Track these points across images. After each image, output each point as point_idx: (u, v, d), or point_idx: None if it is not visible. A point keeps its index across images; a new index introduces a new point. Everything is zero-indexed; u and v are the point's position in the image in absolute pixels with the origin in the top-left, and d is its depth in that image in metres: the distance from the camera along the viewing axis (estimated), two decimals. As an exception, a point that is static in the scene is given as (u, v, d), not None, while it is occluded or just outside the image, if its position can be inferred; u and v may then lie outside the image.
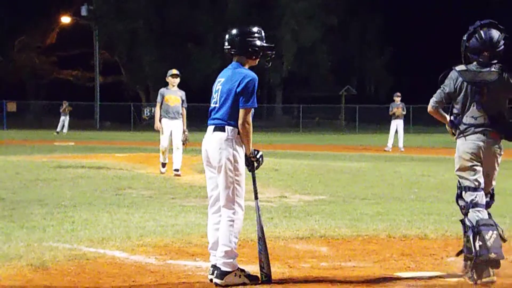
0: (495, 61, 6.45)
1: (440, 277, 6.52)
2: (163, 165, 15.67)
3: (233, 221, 6.12)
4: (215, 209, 6.30)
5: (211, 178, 6.29)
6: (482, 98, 6.37)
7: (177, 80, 15.45)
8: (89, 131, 46.42)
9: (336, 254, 7.41)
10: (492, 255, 6.02)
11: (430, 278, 6.48)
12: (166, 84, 15.53)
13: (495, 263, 6.10)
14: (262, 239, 6.22)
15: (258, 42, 6.26)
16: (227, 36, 6.31)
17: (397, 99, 26.47)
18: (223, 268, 6.09)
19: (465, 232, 6.27)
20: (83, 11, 58.22)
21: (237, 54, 6.27)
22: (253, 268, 6.33)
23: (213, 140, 6.16)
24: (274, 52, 6.40)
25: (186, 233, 8.22)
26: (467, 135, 6.40)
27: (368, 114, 54.95)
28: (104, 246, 7.46)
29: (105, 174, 15.23)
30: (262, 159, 6.34)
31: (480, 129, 6.36)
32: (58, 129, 40.06)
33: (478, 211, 6.27)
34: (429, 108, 6.65)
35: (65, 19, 60.38)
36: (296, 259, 7.07)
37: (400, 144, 26.27)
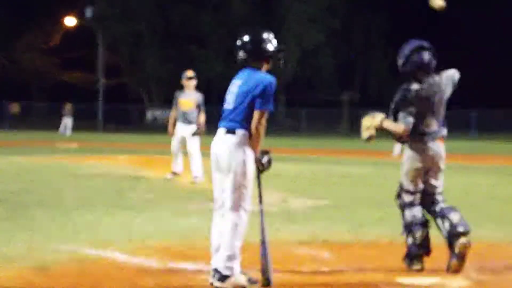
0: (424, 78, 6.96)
1: (441, 282, 6.51)
2: (173, 173, 15.13)
3: (237, 225, 6.11)
4: (221, 212, 6.29)
5: (219, 181, 6.29)
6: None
7: (192, 82, 14.88)
8: (92, 133, 46.46)
9: (337, 259, 7.40)
10: (420, 252, 6.93)
11: (432, 283, 6.48)
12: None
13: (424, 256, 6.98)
14: (264, 243, 6.22)
15: (271, 47, 6.28)
16: (240, 45, 6.28)
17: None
18: (224, 272, 6.09)
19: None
20: (87, 13, 58.36)
21: (253, 61, 6.27)
22: (254, 273, 6.33)
23: (224, 143, 6.14)
24: (285, 52, 6.42)
25: (187, 236, 8.23)
26: None
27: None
28: (105, 248, 7.46)
29: (107, 176, 15.24)
30: (269, 164, 6.34)
31: None
32: (61, 130, 40.07)
33: (413, 210, 7.09)
34: None
35: (69, 21, 60.47)
36: (297, 264, 7.06)
37: None
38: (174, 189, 13.43)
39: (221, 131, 6.21)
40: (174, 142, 15.04)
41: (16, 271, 6.43)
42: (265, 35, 6.30)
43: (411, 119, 6.90)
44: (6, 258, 6.86)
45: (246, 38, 6.29)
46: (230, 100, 6.23)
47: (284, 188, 13.94)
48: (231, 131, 6.13)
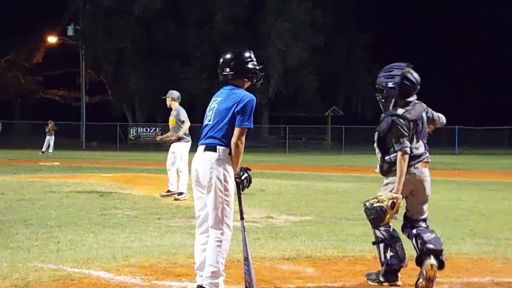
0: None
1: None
2: (169, 191, 15.05)
3: (221, 241, 6.10)
4: (202, 229, 6.27)
5: (200, 198, 6.27)
6: None
7: (167, 102, 15.15)
8: (75, 151, 46.27)
9: (322, 275, 7.39)
10: (403, 265, 6.91)
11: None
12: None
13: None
14: (247, 259, 6.20)
15: (252, 65, 6.31)
16: (223, 62, 6.32)
17: (383, 120, 26.62)
18: (209, 289, 6.07)
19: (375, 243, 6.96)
20: (70, 31, 58.32)
21: (236, 78, 6.29)
22: (239, 289, 6.31)
23: (204, 160, 6.14)
24: (263, 73, 6.46)
25: (171, 254, 8.19)
26: None
27: (354, 134, 55.06)
28: (89, 267, 7.41)
29: (90, 194, 15.16)
30: (248, 181, 6.30)
31: None
32: (44, 149, 39.90)
33: (389, 229, 6.92)
34: None
35: (52, 39, 60.37)
36: (282, 280, 7.05)
37: None
38: (157, 206, 13.37)
39: (201, 148, 6.21)
40: (168, 158, 15.21)
41: (-2, 290, 6.38)
42: (247, 54, 6.35)
43: (407, 142, 6.69)
44: (-12, 277, 6.80)
45: (229, 56, 6.33)
46: (210, 117, 6.25)
47: (268, 204, 13.94)
48: (211, 148, 6.13)
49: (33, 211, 12.17)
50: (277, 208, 13.35)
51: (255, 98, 6.22)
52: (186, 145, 14.96)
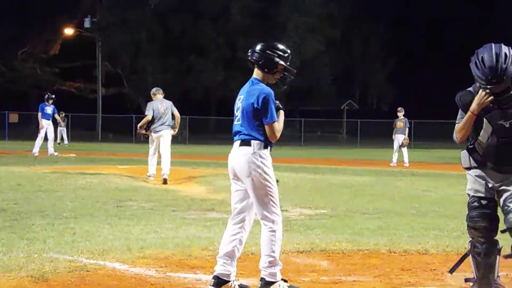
0: None
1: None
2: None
3: (274, 231, 6.22)
4: (236, 220, 6.35)
5: (238, 191, 6.35)
6: None
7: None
8: (91, 142, 46.45)
9: (336, 268, 7.40)
10: None
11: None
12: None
13: None
14: None
15: (276, 59, 6.28)
16: (254, 46, 6.38)
17: (400, 114, 26.58)
18: (268, 279, 6.20)
19: None
20: (87, 23, 58.59)
21: (255, 66, 6.33)
22: (254, 282, 6.33)
23: (240, 154, 6.23)
24: (292, 77, 6.44)
25: (186, 246, 8.21)
26: None
27: (369, 128, 54.97)
28: (104, 258, 7.45)
29: (106, 186, 15.23)
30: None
31: None
32: (58, 140, 40.02)
33: None
34: None
35: (68, 31, 60.60)
36: (297, 273, 7.06)
37: (405, 159, 26.21)
38: (172, 198, 13.42)
39: (236, 143, 6.31)
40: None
41: (15, 281, 6.41)
42: (279, 47, 6.35)
43: None
44: (5, 267, 6.83)
45: (261, 42, 6.39)
46: (238, 116, 6.32)
47: (283, 197, 13.87)
48: (246, 142, 6.22)
49: (49, 202, 12.24)
50: (291, 201, 13.35)
51: (272, 91, 6.23)
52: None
